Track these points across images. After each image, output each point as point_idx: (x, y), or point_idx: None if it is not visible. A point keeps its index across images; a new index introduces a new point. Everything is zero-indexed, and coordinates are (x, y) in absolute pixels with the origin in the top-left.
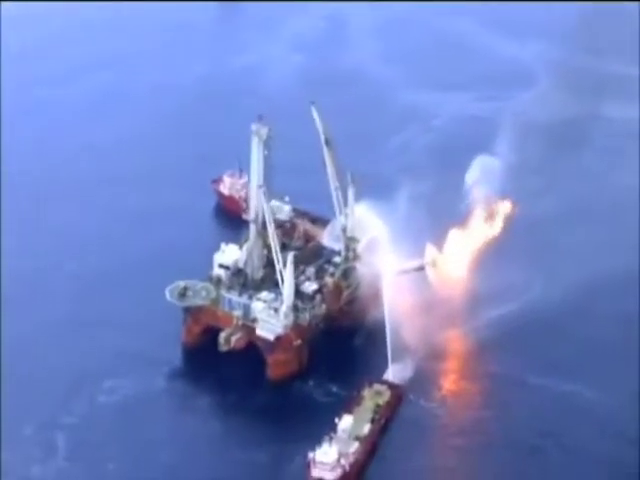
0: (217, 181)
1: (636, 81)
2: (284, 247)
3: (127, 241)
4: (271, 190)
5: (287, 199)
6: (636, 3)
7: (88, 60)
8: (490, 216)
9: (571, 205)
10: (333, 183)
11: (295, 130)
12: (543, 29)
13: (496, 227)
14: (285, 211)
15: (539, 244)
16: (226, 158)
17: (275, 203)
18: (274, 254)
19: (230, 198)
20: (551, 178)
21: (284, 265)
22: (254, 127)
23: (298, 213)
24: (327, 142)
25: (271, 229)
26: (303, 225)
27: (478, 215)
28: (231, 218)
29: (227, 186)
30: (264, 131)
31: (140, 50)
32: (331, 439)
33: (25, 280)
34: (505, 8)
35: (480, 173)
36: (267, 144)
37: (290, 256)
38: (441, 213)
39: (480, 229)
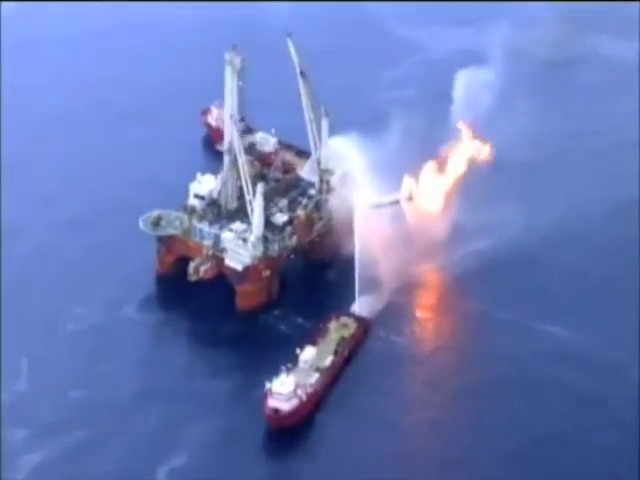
0: (205, 112)
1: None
2: (262, 178)
3: (114, 173)
4: (253, 122)
5: (273, 131)
6: (636, 3)
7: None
8: (468, 151)
9: (556, 139)
10: (308, 115)
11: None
12: None
13: (473, 161)
14: (271, 143)
15: (522, 177)
16: (217, 88)
17: (261, 135)
18: (244, 185)
19: (217, 129)
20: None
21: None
22: (227, 56)
23: (284, 145)
24: (302, 74)
25: (241, 159)
26: (288, 157)
27: (457, 149)
28: (219, 149)
29: (214, 117)
30: (237, 60)
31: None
32: (289, 370)
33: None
34: None
35: (466, 87)
36: (241, 74)
37: (259, 187)
38: (428, 146)
39: (458, 163)
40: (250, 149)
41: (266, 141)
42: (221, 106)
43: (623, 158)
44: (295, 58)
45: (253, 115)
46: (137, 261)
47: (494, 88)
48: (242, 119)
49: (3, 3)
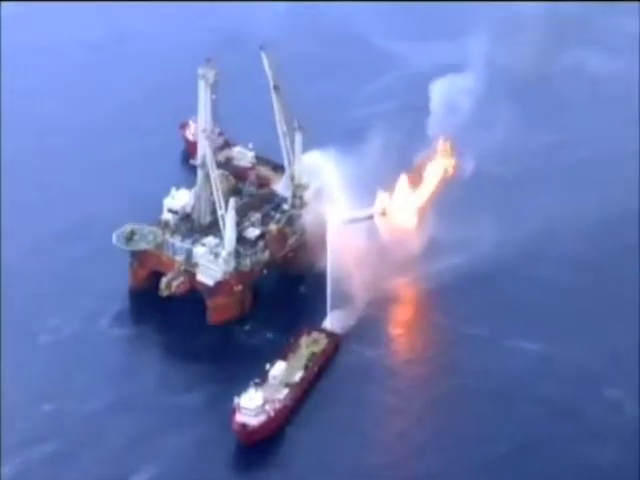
0: (184, 126)
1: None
2: (237, 193)
3: (91, 187)
4: (233, 136)
5: (250, 146)
6: (636, 3)
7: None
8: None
9: (533, 153)
10: (281, 129)
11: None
12: None
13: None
14: (248, 158)
15: (498, 191)
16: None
17: (238, 149)
18: (216, 199)
19: (195, 144)
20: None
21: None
22: (201, 70)
23: (261, 160)
24: (276, 88)
25: (213, 174)
26: (264, 172)
27: (430, 163)
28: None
29: (192, 131)
30: (211, 74)
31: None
32: (258, 385)
33: None
34: None
35: (443, 98)
36: (214, 88)
37: (231, 202)
38: (406, 160)
39: (431, 177)
40: (227, 163)
41: (243, 156)
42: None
43: (599, 172)
44: (269, 72)
45: (234, 129)
46: (111, 275)
47: (472, 101)
48: (221, 133)
49: (3, 3)
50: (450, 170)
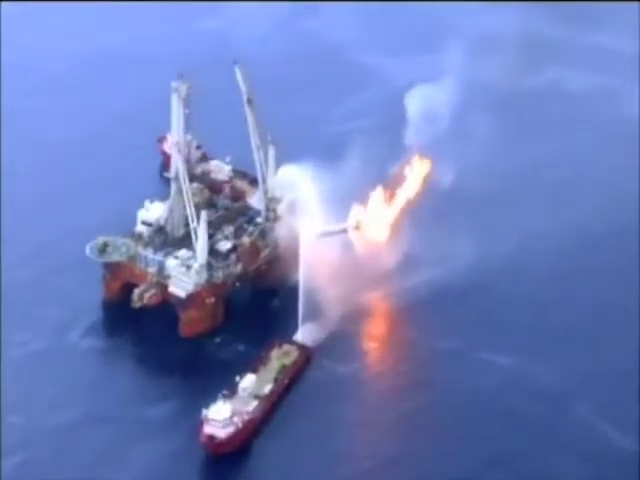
0: (161, 140)
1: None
2: (212, 206)
3: (68, 199)
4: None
5: (227, 159)
6: (636, 3)
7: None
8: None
9: (511, 169)
10: (255, 143)
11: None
12: None
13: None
14: (225, 171)
15: (476, 207)
16: None
17: (216, 163)
18: (188, 212)
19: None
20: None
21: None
22: (174, 84)
23: (238, 173)
24: (249, 102)
25: (185, 187)
26: (240, 185)
27: (405, 175)
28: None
29: (169, 145)
30: (184, 88)
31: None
32: (226, 397)
33: None
34: None
35: (421, 110)
36: (187, 102)
37: (203, 214)
38: (384, 175)
39: (405, 191)
40: (204, 177)
41: (220, 169)
42: None
43: (577, 189)
44: (242, 86)
45: (213, 143)
46: (85, 287)
47: (448, 115)
48: (199, 146)
49: (3, 3)
50: (424, 183)
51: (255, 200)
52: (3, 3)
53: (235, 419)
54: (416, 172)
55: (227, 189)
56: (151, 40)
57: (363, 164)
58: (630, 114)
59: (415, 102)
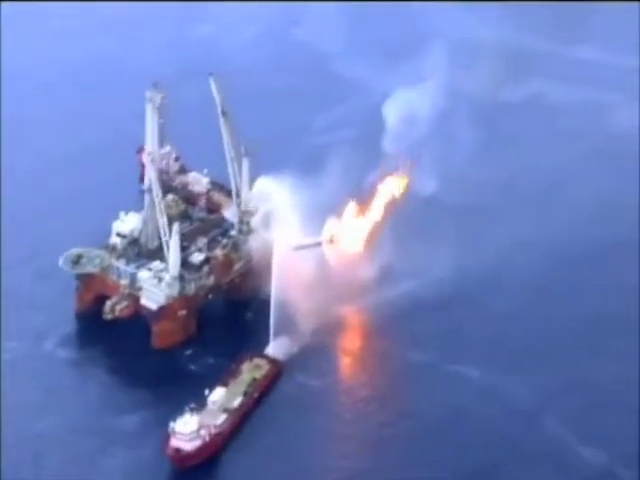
0: (140, 151)
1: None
2: (187, 218)
3: (46, 211)
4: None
5: (205, 172)
6: (636, 3)
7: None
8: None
9: (490, 181)
10: (229, 155)
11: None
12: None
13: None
14: (202, 183)
15: (452, 219)
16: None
17: (193, 175)
18: (160, 224)
19: None
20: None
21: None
22: (148, 94)
23: (216, 186)
24: (224, 113)
25: (158, 198)
26: (217, 197)
27: (381, 188)
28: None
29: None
30: (158, 98)
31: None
32: (194, 410)
33: None
34: None
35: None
36: (161, 111)
37: (175, 226)
38: (362, 187)
39: (380, 204)
40: (183, 189)
41: (198, 181)
42: None
43: (558, 203)
44: (217, 97)
45: (193, 155)
46: (59, 297)
47: (429, 126)
48: (177, 158)
49: (3, 3)
50: (400, 194)
51: (229, 213)
52: (3, 3)
53: (202, 432)
54: (393, 183)
55: (202, 201)
56: (136, 49)
57: (342, 176)
58: (611, 126)
59: (395, 112)
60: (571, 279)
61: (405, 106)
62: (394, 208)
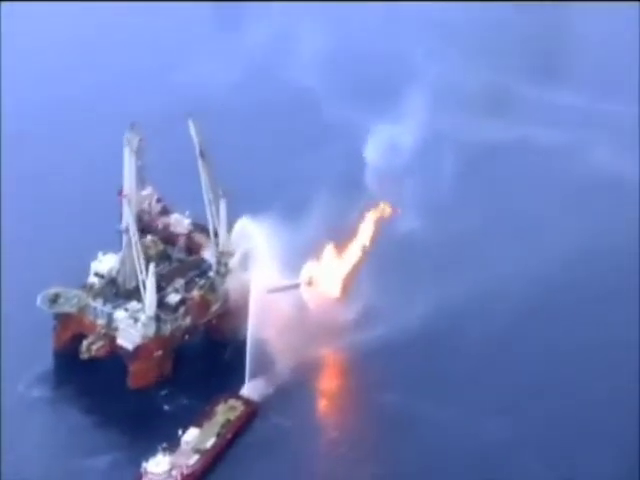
0: (121, 192)
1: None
2: (167, 258)
3: (27, 254)
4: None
5: (187, 213)
6: (636, 3)
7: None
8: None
9: (472, 218)
10: (207, 196)
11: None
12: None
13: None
14: (184, 225)
15: (434, 257)
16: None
17: (175, 216)
18: (137, 265)
19: None
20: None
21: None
22: (126, 136)
23: (197, 227)
24: (202, 155)
25: (134, 238)
26: (198, 239)
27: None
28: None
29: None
30: (135, 140)
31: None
32: (167, 450)
33: None
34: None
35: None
36: (139, 154)
37: (151, 267)
38: (341, 229)
39: (359, 243)
40: (164, 230)
41: (179, 222)
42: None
43: (534, 244)
44: (195, 139)
45: (175, 196)
46: (37, 336)
47: (412, 165)
48: (159, 199)
49: (3, 3)
50: (378, 234)
51: (209, 254)
52: (3, 3)
53: (174, 472)
54: (370, 223)
55: (182, 241)
56: (123, 91)
57: (323, 218)
58: (592, 169)
59: (376, 152)
60: (548, 320)
61: (387, 146)
62: (372, 248)
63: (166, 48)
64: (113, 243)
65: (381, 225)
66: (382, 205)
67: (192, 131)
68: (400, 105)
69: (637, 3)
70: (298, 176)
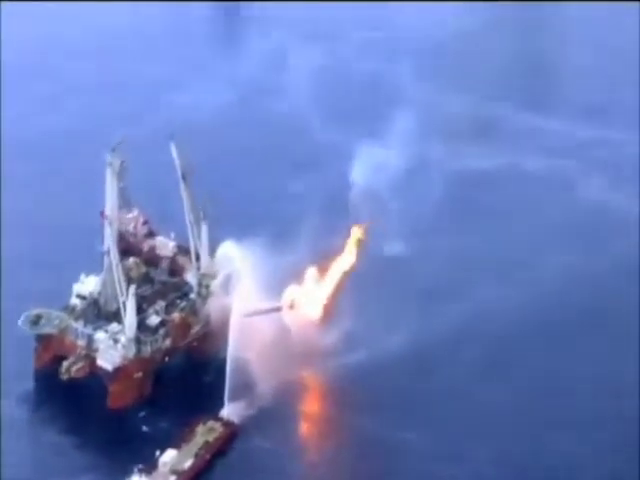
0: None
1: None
2: (149, 280)
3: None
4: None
5: (172, 235)
6: (636, 3)
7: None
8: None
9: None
10: (188, 219)
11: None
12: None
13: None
14: (169, 247)
15: (412, 283)
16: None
17: (160, 239)
18: (117, 286)
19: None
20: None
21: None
22: (108, 158)
23: (182, 249)
24: (184, 177)
25: (115, 260)
26: (182, 261)
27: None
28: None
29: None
30: (117, 163)
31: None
32: (143, 471)
33: None
34: None
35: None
36: (121, 176)
37: (131, 289)
38: (326, 252)
39: (340, 267)
40: (149, 253)
41: (164, 245)
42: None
43: (522, 273)
44: (177, 161)
45: (162, 219)
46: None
47: (397, 190)
48: (145, 222)
49: (3, 3)
50: (359, 256)
51: (190, 276)
52: (3, 3)
53: None
54: (352, 246)
55: (165, 264)
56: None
57: (308, 241)
58: (581, 198)
59: (363, 176)
60: (532, 352)
61: (373, 170)
62: (354, 271)
63: (157, 68)
64: (96, 265)
65: (362, 248)
66: (363, 227)
67: (174, 153)
68: (388, 128)
69: (637, 3)
70: (285, 198)
